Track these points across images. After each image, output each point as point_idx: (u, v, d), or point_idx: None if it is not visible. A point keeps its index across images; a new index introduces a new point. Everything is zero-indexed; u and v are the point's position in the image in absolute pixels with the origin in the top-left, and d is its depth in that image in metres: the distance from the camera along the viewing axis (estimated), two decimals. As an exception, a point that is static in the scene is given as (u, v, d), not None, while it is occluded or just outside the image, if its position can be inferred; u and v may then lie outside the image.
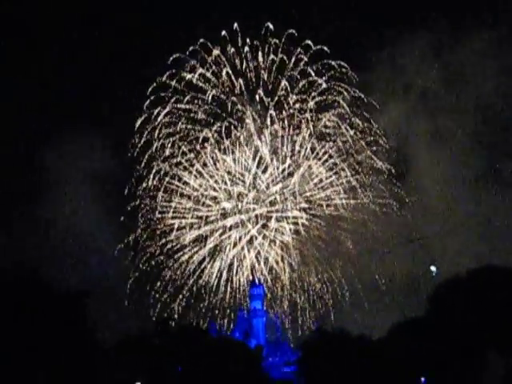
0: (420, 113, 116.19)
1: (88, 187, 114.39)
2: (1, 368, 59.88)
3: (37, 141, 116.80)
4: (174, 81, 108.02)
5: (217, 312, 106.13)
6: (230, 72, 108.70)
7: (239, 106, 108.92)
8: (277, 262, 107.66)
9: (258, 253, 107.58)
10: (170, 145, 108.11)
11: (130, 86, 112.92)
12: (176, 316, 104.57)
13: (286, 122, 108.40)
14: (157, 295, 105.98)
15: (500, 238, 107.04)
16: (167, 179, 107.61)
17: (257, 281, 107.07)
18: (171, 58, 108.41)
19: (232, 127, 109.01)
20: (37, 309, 65.92)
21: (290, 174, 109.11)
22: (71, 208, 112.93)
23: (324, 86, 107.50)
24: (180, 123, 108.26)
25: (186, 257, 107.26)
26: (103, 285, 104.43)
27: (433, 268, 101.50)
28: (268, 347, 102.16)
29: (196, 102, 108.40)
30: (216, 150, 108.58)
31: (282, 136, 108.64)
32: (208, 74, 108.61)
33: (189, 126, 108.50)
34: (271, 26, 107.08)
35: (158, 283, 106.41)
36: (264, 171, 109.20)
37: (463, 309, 67.92)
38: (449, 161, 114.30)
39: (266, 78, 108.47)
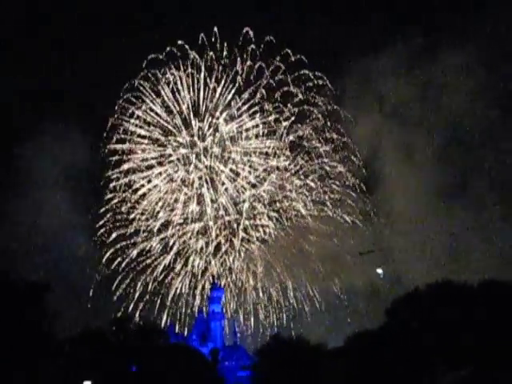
0: (391, 127, 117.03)
1: (62, 183, 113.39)
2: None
3: (12, 134, 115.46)
4: (149, 82, 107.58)
5: (178, 315, 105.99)
6: (207, 76, 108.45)
7: (213, 111, 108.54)
8: (241, 269, 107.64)
9: (224, 260, 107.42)
10: (141, 146, 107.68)
11: (106, 85, 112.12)
12: (137, 316, 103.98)
13: (260, 129, 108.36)
14: (120, 295, 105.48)
15: (465, 252, 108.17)
16: (136, 181, 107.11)
17: (217, 284, 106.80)
18: (148, 58, 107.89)
19: (205, 131, 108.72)
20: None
21: (261, 183, 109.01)
22: (41, 203, 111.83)
23: (300, 96, 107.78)
24: (153, 125, 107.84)
25: (150, 261, 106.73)
26: (68, 279, 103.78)
27: (379, 270, 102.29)
28: (224, 351, 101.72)
29: (170, 104, 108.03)
30: (188, 154, 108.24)
31: (255, 145, 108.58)
32: (184, 77, 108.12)
33: (161, 129, 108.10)
34: (250, 32, 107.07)
35: (122, 283, 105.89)
36: (235, 178, 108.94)
37: (419, 322, 68.45)
38: (417, 175, 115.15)
39: (242, 85, 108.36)
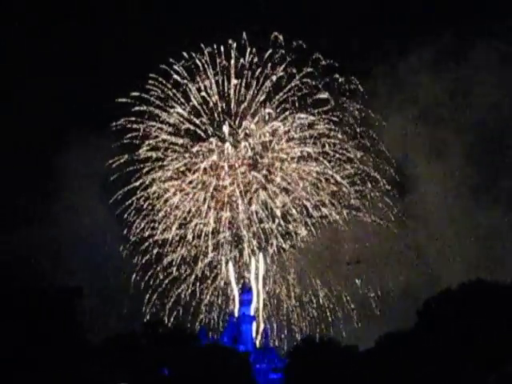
0: (420, 127, 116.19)
1: (97, 190, 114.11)
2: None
3: (51, 143, 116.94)
4: (179, 89, 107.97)
5: (210, 319, 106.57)
6: (236, 82, 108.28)
7: (244, 117, 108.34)
8: (274, 274, 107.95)
9: (257, 267, 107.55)
10: (173, 154, 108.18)
11: (135, 90, 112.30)
12: (167, 320, 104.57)
13: (291, 135, 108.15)
14: (153, 301, 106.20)
15: (497, 251, 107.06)
16: (168, 189, 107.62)
17: (248, 287, 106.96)
18: (177, 65, 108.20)
19: (237, 138, 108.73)
20: (26, 305, 66.11)
21: (294, 189, 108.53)
22: (77, 209, 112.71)
23: (332, 102, 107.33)
24: (184, 132, 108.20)
25: (182, 270, 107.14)
26: (102, 285, 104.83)
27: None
28: (256, 353, 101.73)
29: (201, 110, 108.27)
30: (220, 160, 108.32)
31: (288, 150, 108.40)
32: (213, 83, 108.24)
33: (192, 136, 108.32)
34: (280, 37, 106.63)
35: (156, 291, 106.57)
36: (267, 185, 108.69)
37: (452, 322, 67.86)
38: (448, 175, 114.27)
39: (272, 90, 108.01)
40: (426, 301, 74.61)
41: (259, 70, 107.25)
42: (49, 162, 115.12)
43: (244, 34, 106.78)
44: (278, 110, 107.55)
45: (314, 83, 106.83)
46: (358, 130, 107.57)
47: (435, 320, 69.97)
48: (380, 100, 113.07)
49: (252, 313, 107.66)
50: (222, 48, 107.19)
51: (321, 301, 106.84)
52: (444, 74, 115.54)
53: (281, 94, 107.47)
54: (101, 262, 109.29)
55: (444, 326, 67.82)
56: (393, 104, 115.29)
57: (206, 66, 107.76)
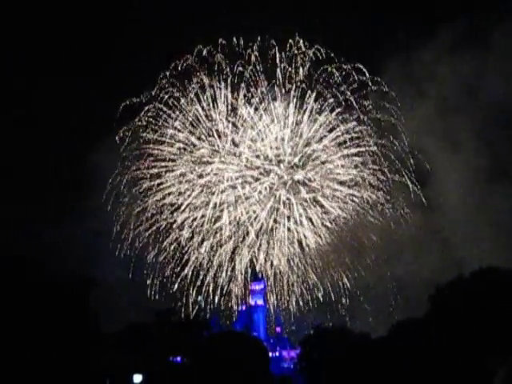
0: (436, 116, 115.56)
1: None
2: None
3: (87, 143, 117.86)
4: (202, 90, 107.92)
5: (221, 307, 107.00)
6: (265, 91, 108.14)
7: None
8: (285, 260, 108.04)
9: (267, 253, 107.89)
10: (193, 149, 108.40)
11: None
12: (183, 308, 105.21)
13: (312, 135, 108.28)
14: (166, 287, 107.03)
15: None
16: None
17: (259, 276, 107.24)
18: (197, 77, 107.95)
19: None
20: (39, 294, 66.50)
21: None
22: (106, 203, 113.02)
23: (351, 101, 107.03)
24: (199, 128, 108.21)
25: (201, 258, 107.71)
26: (120, 274, 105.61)
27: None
28: (268, 342, 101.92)
29: (217, 111, 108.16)
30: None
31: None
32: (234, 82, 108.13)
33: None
34: (301, 41, 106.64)
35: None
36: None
37: (464, 310, 67.74)
38: (464, 162, 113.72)
39: (298, 96, 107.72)
40: (437, 287, 74.53)
41: (280, 72, 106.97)
42: (82, 161, 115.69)
43: (266, 37, 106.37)
44: (301, 111, 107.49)
45: (333, 82, 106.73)
46: (380, 128, 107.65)
47: (448, 307, 69.92)
48: (396, 91, 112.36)
49: (264, 302, 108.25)
50: (244, 49, 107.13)
51: (337, 289, 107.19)
52: (460, 62, 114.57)
53: (306, 98, 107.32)
54: (119, 255, 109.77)
55: (456, 314, 67.75)
56: (408, 94, 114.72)
57: (226, 65, 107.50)
